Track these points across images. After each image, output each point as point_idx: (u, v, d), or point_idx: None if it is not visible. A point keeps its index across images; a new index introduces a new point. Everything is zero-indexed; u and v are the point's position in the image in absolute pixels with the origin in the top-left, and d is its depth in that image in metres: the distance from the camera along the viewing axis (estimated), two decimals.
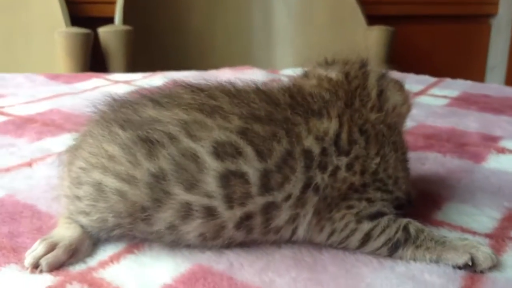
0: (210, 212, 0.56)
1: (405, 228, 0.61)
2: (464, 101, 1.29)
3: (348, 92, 0.67)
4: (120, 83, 1.41)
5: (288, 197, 0.58)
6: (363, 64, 0.72)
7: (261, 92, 0.62)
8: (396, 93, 0.71)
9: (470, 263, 0.58)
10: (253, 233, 0.59)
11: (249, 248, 0.61)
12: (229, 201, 0.56)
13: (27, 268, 0.57)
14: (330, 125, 0.61)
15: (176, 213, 0.55)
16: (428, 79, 1.53)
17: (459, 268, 0.58)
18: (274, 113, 0.59)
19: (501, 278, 0.57)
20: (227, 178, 0.55)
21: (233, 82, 0.64)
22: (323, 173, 0.59)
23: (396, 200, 0.65)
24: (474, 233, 0.67)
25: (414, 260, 0.60)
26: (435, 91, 1.39)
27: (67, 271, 0.57)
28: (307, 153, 0.59)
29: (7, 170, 0.83)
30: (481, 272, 0.58)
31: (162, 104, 0.60)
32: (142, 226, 0.57)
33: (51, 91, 1.31)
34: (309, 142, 0.59)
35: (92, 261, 0.59)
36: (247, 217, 0.57)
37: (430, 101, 1.30)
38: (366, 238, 0.61)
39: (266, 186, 0.56)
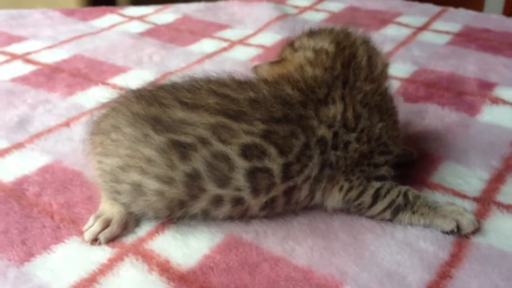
0: (238, 201, 0.66)
1: (405, 194, 0.71)
2: (465, 38, 1.35)
3: (344, 65, 0.74)
4: (135, 20, 1.46)
5: (307, 178, 0.68)
6: (348, 32, 0.79)
7: (276, 94, 0.69)
8: (379, 56, 0.79)
9: (455, 230, 0.69)
10: (276, 209, 0.69)
11: (271, 216, 0.71)
12: (255, 191, 0.66)
13: (87, 242, 0.68)
14: (336, 110, 0.70)
15: (209, 203, 0.66)
16: (431, 8, 1.57)
17: (447, 233, 0.70)
18: (289, 114, 0.67)
19: (484, 243, 0.68)
20: (253, 174, 0.65)
21: (252, 85, 0.70)
22: (336, 151, 0.69)
23: (396, 158, 0.75)
24: (464, 196, 0.77)
25: (411, 224, 0.71)
26: (438, 25, 1.45)
27: (121, 243, 0.68)
28: (322, 141, 0.68)
29: (49, 131, 0.93)
30: (466, 236, 0.69)
31: (189, 106, 0.66)
32: (179, 213, 0.67)
33: (70, 32, 1.37)
34: (322, 131, 0.68)
35: (141, 232, 0.70)
36: (271, 200, 0.67)
37: (432, 38, 1.36)
38: (376, 196, 0.71)
39: (287, 175, 0.66)
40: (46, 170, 0.82)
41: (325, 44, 0.77)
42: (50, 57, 1.22)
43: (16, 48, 1.26)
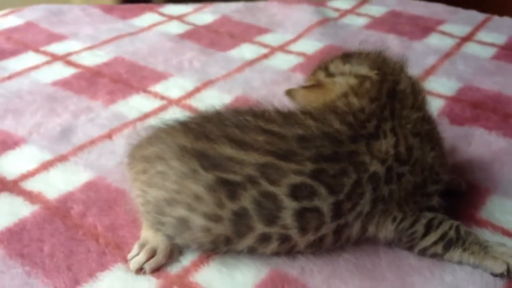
0: (286, 239, 0.65)
1: (457, 228, 0.70)
2: (510, 51, 1.32)
3: (389, 94, 0.73)
4: (174, 20, 1.45)
5: (359, 215, 0.67)
6: (384, 56, 0.78)
7: (324, 130, 0.67)
8: (418, 82, 0.78)
9: (505, 273, 0.68)
10: (324, 246, 0.68)
11: (317, 251, 0.71)
12: (304, 230, 0.65)
13: (133, 271, 0.68)
14: (388, 143, 0.68)
15: (256, 240, 0.65)
16: (476, 16, 1.53)
17: (496, 276, 0.68)
18: (339, 151, 0.66)
19: None
20: (302, 214, 0.64)
21: (298, 119, 0.69)
22: (389, 185, 0.68)
23: (444, 185, 0.74)
24: None
25: (460, 263, 0.70)
26: (483, 35, 1.41)
27: (166, 273, 0.68)
28: (374, 177, 0.67)
29: (92, 142, 0.93)
30: None
31: (237, 143, 0.65)
32: (224, 249, 0.67)
33: (110, 31, 1.36)
34: (374, 167, 0.67)
35: (186, 261, 0.70)
36: (320, 239, 0.66)
37: (477, 51, 1.32)
38: (429, 226, 0.69)
39: (338, 214, 0.65)
40: (90, 187, 0.82)
41: (365, 70, 0.75)
42: (91, 59, 1.22)
43: (57, 48, 1.26)
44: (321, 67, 0.80)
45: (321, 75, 0.79)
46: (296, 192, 0.63)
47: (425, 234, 0.70)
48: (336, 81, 0.76)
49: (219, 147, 0.66)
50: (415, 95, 0.75)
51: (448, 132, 0.93)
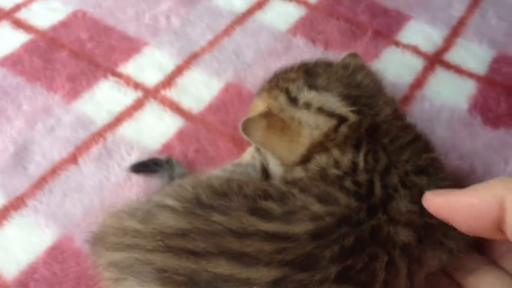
0: None
1: None
2: None
3: (370, 131, 0.61)
4: None
5: None
6: (351, 71, 0.67)
7: (335, 214, 0.52)
8: (394, 101, 0.67)
9: None
10: None
11: None
12: None
13: None
14: (404, 199, 0.55)
15: None
16: None
17: None
18: (362, 236, 0.51)
19: None
20: None
21: (297, 206, 0.53)
22: (425, 252, 0.54)
23: None
24: None
25: None
26: None
27: None
28: (405, 247, 0.53)
29: (53, 171, 0.76)
30: None
31: (237, 257, 0.49)
32: None
33: None
34: (401, 235, 0.52)
35: None
36: None
37: None
38: None
39: None
40: (55, 256, 0.68)
41: (336, 103, 0.62)
42: (45, 15, 0.99)
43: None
44: (279, 86, 0.66)
45: (281, 99, 0.64)
46: None
47: None
48: (303, 121, 0.62)
49: (213, 266, 0.50)
50: (399, 119, 0.63)
51: (482, 138, 0.79)
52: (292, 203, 0.54)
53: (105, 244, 0.56)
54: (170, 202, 0.56)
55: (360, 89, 0.64)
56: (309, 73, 0.66)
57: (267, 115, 0.64)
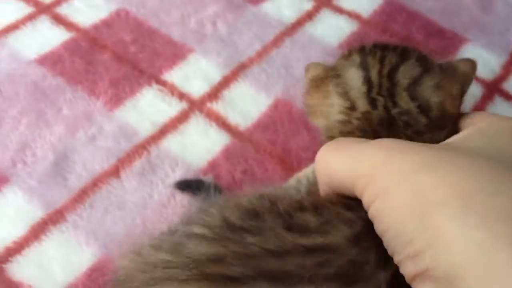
0: None
1: None
2: None
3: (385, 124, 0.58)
4: None
5: None
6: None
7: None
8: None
9: None
10: None
11: None
12: None
13: None
14: None
15: None
16: None
17: None
18: None
19: None
20: None
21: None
22: None
23: None
24: None
25: None
26: None
27: None
28: None
29: (94, 185, 0.72)
30: None
31: (277, 278, 0.43)
32: None
33: None
34: None
35: None
36: None
37: None
38: None
39: None
40: (95, 278, 0.64)
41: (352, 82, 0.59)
42: (86, 12, 0.94)
43: None
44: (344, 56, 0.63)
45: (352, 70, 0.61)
46: None
47: None
48: (333, 102, 0.59)
49: None
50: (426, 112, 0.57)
51: None
52: (326, 212, 0.49)
53: (133, 285, 0.52)
54: (198, 230, 0.52)
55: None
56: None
57: (330, 69, 0.62)
